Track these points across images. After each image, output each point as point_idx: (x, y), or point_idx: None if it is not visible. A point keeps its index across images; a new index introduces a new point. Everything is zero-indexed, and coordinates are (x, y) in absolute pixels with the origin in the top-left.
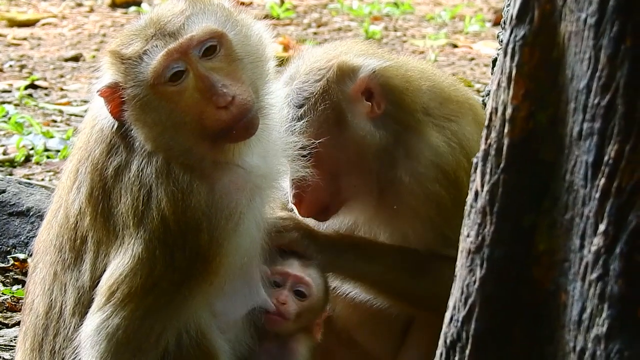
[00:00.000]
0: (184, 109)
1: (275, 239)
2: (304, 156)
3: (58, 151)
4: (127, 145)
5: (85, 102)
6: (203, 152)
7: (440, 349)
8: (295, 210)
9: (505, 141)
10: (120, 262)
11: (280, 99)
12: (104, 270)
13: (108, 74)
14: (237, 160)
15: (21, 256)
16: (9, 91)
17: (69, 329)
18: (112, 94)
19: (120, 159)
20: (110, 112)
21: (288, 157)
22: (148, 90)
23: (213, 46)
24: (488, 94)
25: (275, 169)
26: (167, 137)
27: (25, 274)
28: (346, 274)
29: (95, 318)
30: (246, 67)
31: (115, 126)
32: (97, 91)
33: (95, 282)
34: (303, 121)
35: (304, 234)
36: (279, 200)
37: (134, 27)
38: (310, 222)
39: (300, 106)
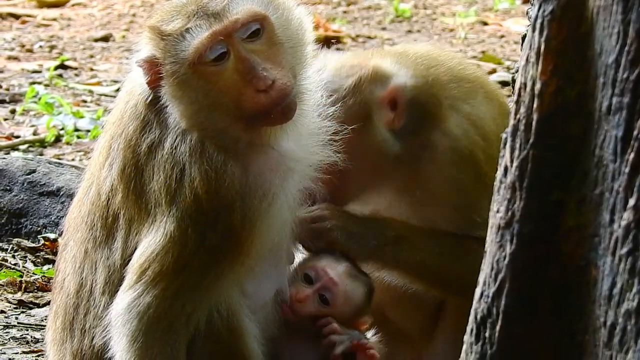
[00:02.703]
0: (223, 90)
1: (308, 228)
2: (335, 141)
3: (88, 131)
4: (161, 122)
5: (116, 82)
6: (238, 134)
7: (471, 325)
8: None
9: (534, 116)
10: (152, 240)
11: (315, 84)
12: (136, 249)
13: (146, 48)
14: (272, 143)
15: (52, 236)
16: (39, 72)
17: (99, 307)
18: (150, 67)
19: (154, 136)
20: (147, 83)
21: (320, 141)
22: (187, 69)
23: (256, 29)
24: (517, 71)
25: (308, 152)
26: (203, 116)
27: (55, 254)
28: (373, 254)
29: (126, 296)
30: (287, 51)
31: (150, 98)
32: (136, 62)
33: (126, 260)
34: (337, 106)
35: (337, 225)
36: (313, 188)
37: (175, 4)
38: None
39: (328, 97)
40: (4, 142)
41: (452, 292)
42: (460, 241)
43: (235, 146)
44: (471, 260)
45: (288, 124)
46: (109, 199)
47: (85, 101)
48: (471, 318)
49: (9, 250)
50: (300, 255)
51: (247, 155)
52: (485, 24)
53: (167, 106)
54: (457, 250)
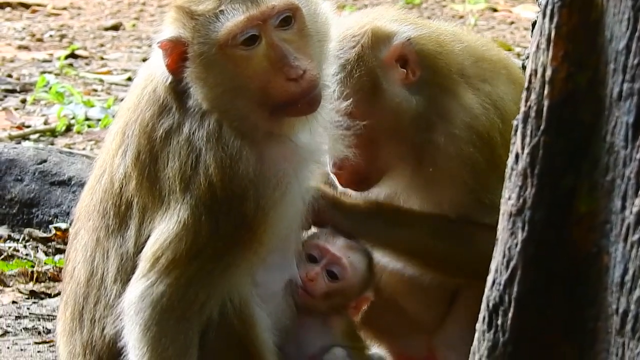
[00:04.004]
0: (251, 75)
1: (313, 217)
2: (346, 136)
3: (99, 120)
4: (180, 105)
5: (126, 70)
6: (259, 121)
7: (483, 312)
8: (336, 181)
9: (545, 103)
10: (165, 228)
11: (330, 79)
12: (149, 237)
13: (171, 28)
14: (290, 134)
15: (63, 226)
16: (50, 61)
17: (111, 296)
18: (173, 48)
19: (171, 121)
20: (167, 65)
21: (332, 135)
22: (217, 50)
23: (289, 18)
24: (528, 57)
25: (321, 145)
26: (226, 99)
27: (67, 244)
28: (375, 240)
29: (139, 285)
30: (314, 44)
31: (169, 81)
32: (158, 43)
33: (139, 248)
34: (348, 102)
35: (330, 203)
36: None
37: None
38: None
39: (336, 74)
40: (15, 132)
41: (455, 276)
42: (460, 225)
43: (253, 133)
44: (475, 246)
45: (310, 115)
46: (122, 187)
47: (95, 90)
48: (483, 306)
49: (20, 241)
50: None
51: (263, 144)
52: (495, 10)
53: (188, 89)
54: (455, 232)
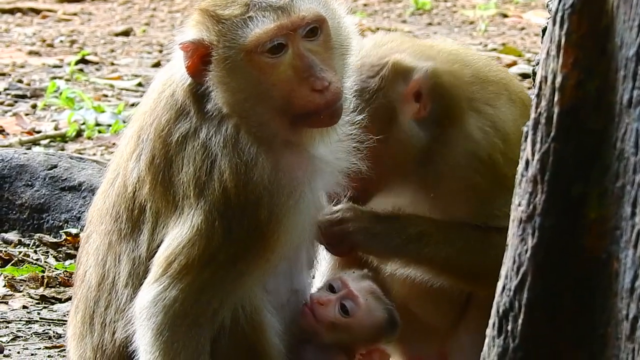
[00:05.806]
0: (275, 83)
1: (330, 232)
2: (361, 149)
3: (109, 126)
4: (198, 110)
5: (136, 76)
6: (278, 129)
7: (493, 318)
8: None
9: (555, 110)
10: (178, 233)
11: (349, 92)
12: (161, 241)
13: (194, 30)
14: (308, 144)
15: (73, 231)
16: (60, 66)
17: (122, 300)
18: (195, 50)
19: (188, 126)
20: (187, 67)
21: (348, 147)
22: (243, 56)
23: (315, 29)
24: (538, 63)
25: (337, 157)
26: (248, 105)
27: (77, 249)
28: (408, 261)
29: (151, 289)
30: (337, 57)
31: (188, 83)
32: (179, 44)
33: (151, 252)
34: (364, 115)
35: (359, 227)
36: (339, 191)
37: None
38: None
39: (353, 97)
40: (26, 137)
41: (479, 285)
42: (485, 233)
43: (271, 141)
44: (497, 252)
45: (330, 127)
46: (135, 191)
47: (106, 95)
48: (493, 312)
49: (31, 246)
50: (321, 260)
51: (279, 152)
52: (506, 16)
53: (207, 93)
54: (482, 243)
